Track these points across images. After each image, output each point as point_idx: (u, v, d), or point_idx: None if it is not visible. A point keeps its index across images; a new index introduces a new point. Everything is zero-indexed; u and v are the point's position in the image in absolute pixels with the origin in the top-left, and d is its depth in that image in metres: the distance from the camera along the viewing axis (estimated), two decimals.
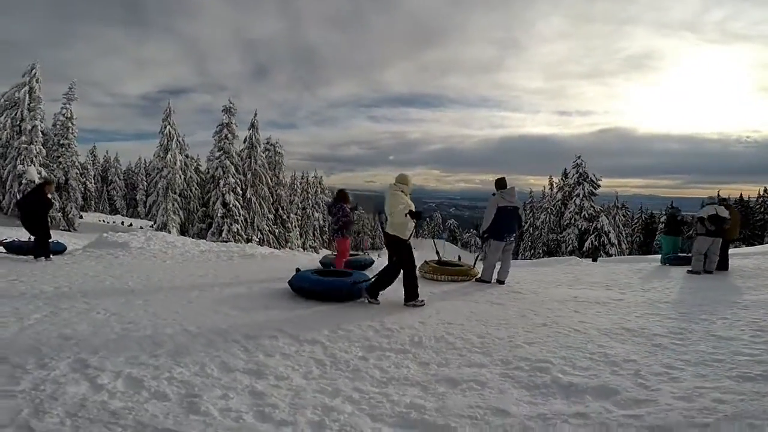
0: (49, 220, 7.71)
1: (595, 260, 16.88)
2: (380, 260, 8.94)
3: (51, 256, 7.65)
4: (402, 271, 4.87)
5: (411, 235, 4.91)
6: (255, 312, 4.48)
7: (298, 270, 5.47)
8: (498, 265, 6.53)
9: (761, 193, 40.32)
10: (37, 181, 21.20)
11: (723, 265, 8.14)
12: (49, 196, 7.78)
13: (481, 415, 2.39)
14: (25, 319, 3.92)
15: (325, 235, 46.25)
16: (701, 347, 3.43)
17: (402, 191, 4.92)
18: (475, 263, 7.19)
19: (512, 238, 6.49)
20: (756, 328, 3.94)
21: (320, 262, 8.33)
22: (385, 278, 4.93)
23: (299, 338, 3.61)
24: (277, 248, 26.16)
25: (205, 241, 12.15)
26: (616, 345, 3.55)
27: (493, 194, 6.44)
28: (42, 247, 7.53)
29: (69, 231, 23.53)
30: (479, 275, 6.61)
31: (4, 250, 8.25)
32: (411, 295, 4.84)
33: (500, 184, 6.46)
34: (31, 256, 7.56)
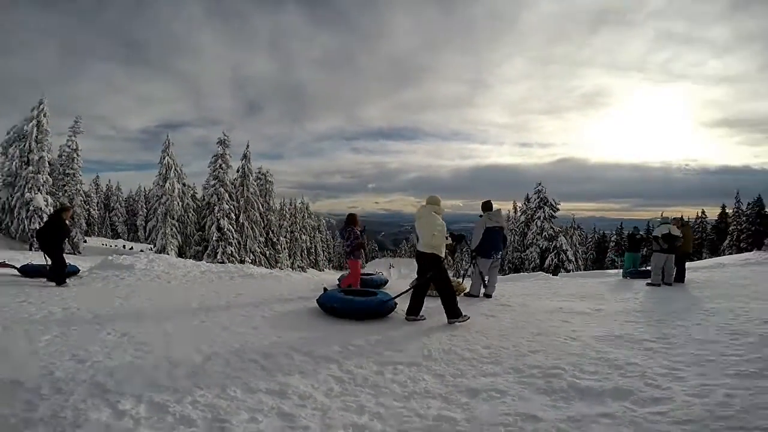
0: (63, 246, 7.02)
1: (555, 275, 17.02)
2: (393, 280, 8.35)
3: (66, 281, 6.94)
4: (441, 290, 4.57)
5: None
6: (264, 330, 4.16)
7: (325, 289, 5.17)
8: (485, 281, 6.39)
9: (699, 214, 41.78)
10: (43, 208, 20.21)
11: (680, 277, 8.27)
12: (68, 222, 7.17)
13: (513, 422, 2.23)
14: (36, 341, 3.55)
15: (312, 256, 45.47)
16: (689, 350, 3.41)
17: (436, 212, 4.66)
18: (463, 279, 7.03)
19: (498, 256, 6.39)
20: (729, 332, 3.96)
21: (340, 280, 7.80)
22: (420, 298, 4.68)
23: (313, 355, 3.35)
24: (268, 268, 25.44)
25: (205, 262, 11.61)
26: (613, 350, 3.48)
27: (480, 216, 6.36)
28: (59, 274, 6.77)
29: (74, 254, 22.27)
30: (467, 290, 6.45)
31: (19, 274, 7.62)
32: (455, 312, 4.51)
33: (486, 206, 6.40)
34: (44, 279, 6.93)
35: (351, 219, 6.32)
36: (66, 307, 5.04)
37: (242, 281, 8.31)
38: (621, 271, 11.10)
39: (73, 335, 3.78)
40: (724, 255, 23.07)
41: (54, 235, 6.80)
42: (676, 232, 7.96)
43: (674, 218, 9.03)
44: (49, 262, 6.91)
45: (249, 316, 4.79)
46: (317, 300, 5.03)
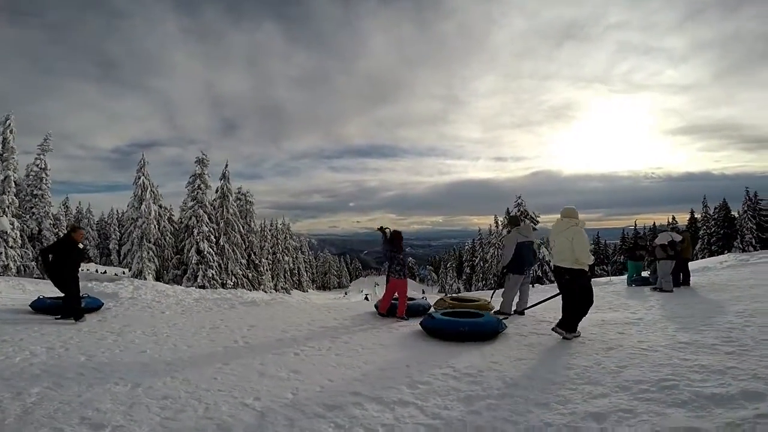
0: (78, 273, 5.85)
1: (542, 284, 17.22)
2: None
3: (85, 315, 5.89)
4: (579, 301, 4.31)
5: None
6: (308, 372, 3.47)
7: (430, 315, 4.82)
8: (516, 298, 6.08)
9: (670, 221, 42.43)
10: (9, 231, 18.35)
11: (686, 281, 8.38)
12: (81, 245, 5.93)
13: None
14: (25, 396, 2.78)
15: (295, 276, 44.09)
16: None
17: (577, 225, 4.27)
18: (492, 296, 6.72)
19: (530, 271, 6.15)
20: None
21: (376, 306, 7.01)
22: (582, 308, 4.36)
23: (385, 401, 2.79)
24: (251, 291, 24.34)
25: (195, 288, 10.76)
26: (698, 357, 3.26)
27: (508, 231, 6.15)
28: (74, 306, 5.75)
29: (44, 279, 20.35)
30: (497, 308, 6.08)
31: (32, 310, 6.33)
32: (572, 327, 4.32)
33: (515, 221, 6.21)
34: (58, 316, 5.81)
35: (388, 238, 6.00)
36: (49, 346, 4.18)
37: (246, 310, 7.44)
38: (612, 278, 11.22)
39: (71, 387, 3.01)
40: (697, 259, 23.98)
41: (64, 262, 5.68)
42: (677, 237, 8.13)
43: (672, 227, 9.25)
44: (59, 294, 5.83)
45: (280, 355, 4.05)
46: (425, 325, 4.70)
